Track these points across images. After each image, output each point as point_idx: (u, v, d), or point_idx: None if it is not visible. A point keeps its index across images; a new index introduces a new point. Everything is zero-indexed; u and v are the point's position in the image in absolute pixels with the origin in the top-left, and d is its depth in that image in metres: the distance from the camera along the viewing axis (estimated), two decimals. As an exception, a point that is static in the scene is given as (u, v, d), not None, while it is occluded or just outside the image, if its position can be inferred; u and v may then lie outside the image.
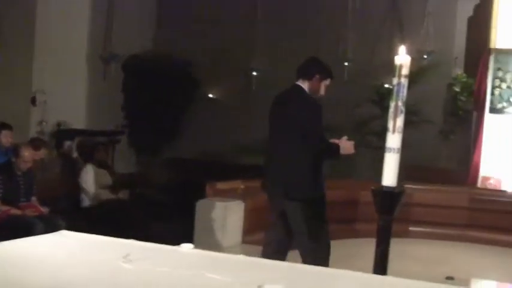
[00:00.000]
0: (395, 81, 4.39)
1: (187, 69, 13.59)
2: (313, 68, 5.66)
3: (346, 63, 12.82)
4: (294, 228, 5.42)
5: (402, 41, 13.20)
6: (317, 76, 5.61)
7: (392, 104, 4.42)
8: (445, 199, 8.80)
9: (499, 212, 8.67)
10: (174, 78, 13.22)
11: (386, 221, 4.40)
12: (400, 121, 4.32)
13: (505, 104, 10.03)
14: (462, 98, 11.79)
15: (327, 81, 5.73)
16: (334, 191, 8.09)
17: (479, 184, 9.86)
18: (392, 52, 12.56)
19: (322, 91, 5.69)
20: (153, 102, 13.04)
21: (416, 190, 9.07)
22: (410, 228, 8.83)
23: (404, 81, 4.38)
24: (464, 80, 11.66)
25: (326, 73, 5.72)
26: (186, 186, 9.20)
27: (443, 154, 11.71)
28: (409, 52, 11.57)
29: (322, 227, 5.40)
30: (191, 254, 3.14)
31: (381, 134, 11.41)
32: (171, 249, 3.17)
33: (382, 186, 4.39)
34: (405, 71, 4.40)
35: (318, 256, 5.25)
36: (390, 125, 4.41)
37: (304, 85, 5.60)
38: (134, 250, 2.95)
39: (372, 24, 12.75)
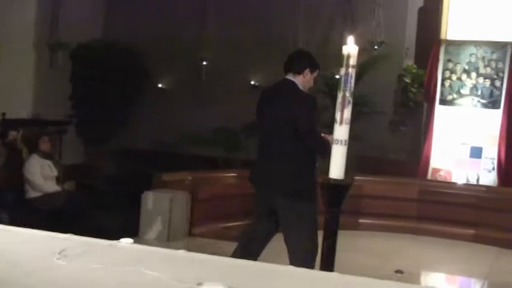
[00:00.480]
0: (342, 71, 4.30)
1: (137, 59, 13.39)
2: (304, 62, 5.58)
3: (296, 54, 12.73)
4: (284, 222, 5.39)
5: (353, 32, 13.20)
6: (307, 70, 5.54)
7: (339, 95, 4.33)
8: (395, 191, 8.79)
9: (449, 204, 8.69)
10: (124, 67, 13.01)
11: (334, 214, 4.32)
12: (347, 112, 4.23)
13: (455, 95, 10.06)
14: (413, 89, 11.78)
15: (316, 73, 5.62)
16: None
17: (429, 176, 9.88)
18: (343, 43, 12.57)
19: (311, 84, 5.67)
20: (102, 92, 12.83)
21: (366, 182, 9.06)
22: (360, 221, 8.81)
23: (352, 71, 4.29)
24: (415, 71, 11.66)
25: (315, 66, 5.64)
26: (135, 177, 9.04)
27: (394, 145, 11.71)
28: (360, 43, 11.53)
29: (312, 223, 5.30)
30: (130, 249, 3.02)
31: (331, 125, 11.42)
32: (109, 244, 3.04)
33: (330, 179, 4.30)
34: (353, 61, 4.31)
35: (306, 250, 5.23)
36: (338, 116, 4.32)
37: (296, 79, 5.52)
38: (71, 245, 2.83)
39: (323, 14, 12.70)
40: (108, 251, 2.92)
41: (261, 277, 2.79)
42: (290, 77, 5.52)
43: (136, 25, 13.64)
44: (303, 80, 5.53)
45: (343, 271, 5.72)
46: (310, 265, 5.11)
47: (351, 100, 4.37)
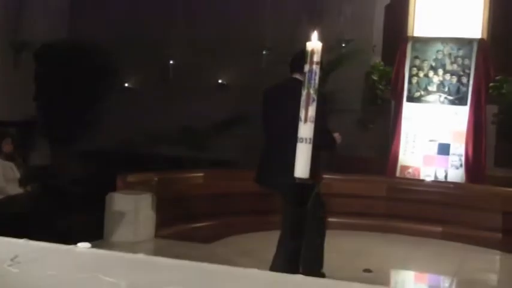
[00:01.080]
0: (306, 68, 4.22)
1: (103, 58, 13.23)
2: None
3: (264, 52, 12.71)
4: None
5: (321, 29, 13.17)
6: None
7: (304, 92, 4.25)
8: (363, 189, 8.74)
9: (417, 202, 8.66)
10: (90, 67, 12.85)
11: (300, 214, 4.24)
12: (312, 110, 4.14)
13: (422, 92, 10.04)
14: (380, 86, 11.78)
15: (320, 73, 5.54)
16: (248, 181, 7.96)
17: (398, 173, 9.85)
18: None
19: None
20: (68, 92, 12.66)
21: (334, 180, 8.98)
22: (329, 219, 8.71)
23: (316, 68, 4.20)
24: (382, 68, 11.65)
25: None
26: (102, 178, 8.90)
27: (362, 143, 11.68)
28: (328, 40, 11.53)
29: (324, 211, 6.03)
30: (87, 254, 2.91)
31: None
32: (66, 249, 2.93)
33: (294, 178, 4.22)
34: (317, 57, 4.22)
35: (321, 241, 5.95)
36: (302, 114, 4.23)
37: (302, 78, 5.34)
38: (25, 251, 2.71)
39: (289, 11, 12.65)
40: (65, 256, 2.81)
41: (222, 280, 2.70)
42: (297, 76, 5.57)
43: (102, 24, 13.50)
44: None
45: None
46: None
47: (315, 98, 4.27)
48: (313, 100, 4.26)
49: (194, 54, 13.26)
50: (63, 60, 12.57)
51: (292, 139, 5.17)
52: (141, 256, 3.00)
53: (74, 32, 13.63)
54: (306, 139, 4.27)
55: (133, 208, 6.59)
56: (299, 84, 5.23)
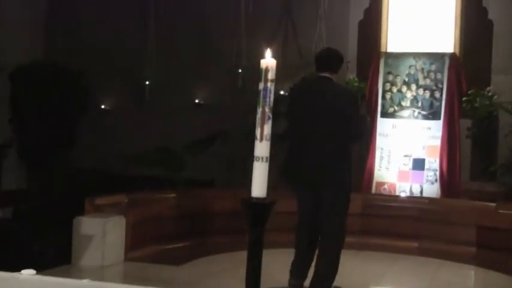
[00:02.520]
0: (261, 85, 4.17)
1: (79, 80, 13.19)
2: (338, 61, 6.11)
3: (240, 70, 12.69)
4: (330, 212, 5.85)
5: (296, 46, 13.18)
6: (339, 68, 6.12)
7: (259, 110, 4.19)
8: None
9: (393, 217, 8.62)
10: (65, 89, 12.81)
11: (258, 234, 4.17)
12: (267, 128, 4.09)
13: (396, 107, 10.02)
14: (355, 102, 11.74)
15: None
16: (222, 200, 7.91)
17: (373, 190, 9.80)
18: (287, 57, 12.50)
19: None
20: (44, 114, 12.59)
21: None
22: (304, 237, 8.67)
23: (270, 85, 4.15)
24: (357, 84, 11.63)
25: (342, 63, 6.29)
26: (76, 200, 8.81)
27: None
28: (304, 56, 11.32)
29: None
30: (32, 281, 2.84)
31: (273, 141, 11.25)
32: (9, 277, 2.86)
33: (252, 198, 4.17)
34: (271, 74, 4.17)
35: (343, 233, 5.99)
36: (257, 132, 4.17)
37: (332, 76, 5.99)
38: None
39: (265, 29, 12.65)
40: (7, 284, 2.75)
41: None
42: (326, 74, 5.92)
43: (78, 45, 13.46)
44: (335, 77, 6.03)
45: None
46: (342, 246, 5.96)
47: (270, 116, 4.22)
48: (269, 118, 4.20)
49: (170, 74, 13.23)
50: (38, 81, 12.53)
51: (323, 137, 5.73)
52: (85, 282, 2.93)
53: (50, 54, 13.57)
54: (262, 158, 4.20)
55: (100, 231, 6.50)
56: (333, 83, 5.87)
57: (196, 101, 13.63)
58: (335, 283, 6.08)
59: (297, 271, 6.05)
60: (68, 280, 2.99)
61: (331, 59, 6.06)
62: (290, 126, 6.14)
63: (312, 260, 6.03)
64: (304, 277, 6.05)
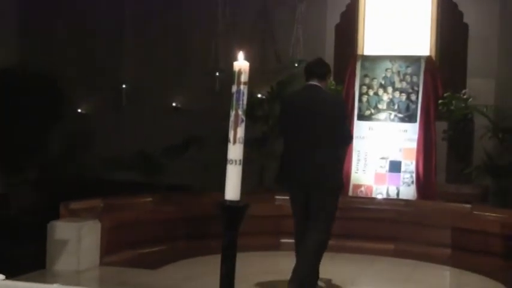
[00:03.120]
0: (234, 88, 4.17)
1: (54, 84, 13.11)
2: (326, 69, 6.50)
3: (217, 73, 12.69)
4: (320, 214, 6.09)
5: (274, 50, 13.19)
6: (327, 76, 6.53)
7: (232, 113, 4.19)
8: (315, 209, 8.68)
9: (370, 220, 8.65)
10: (40, 93, 12.71)
11: (231, 237, 4.17)
12: (241, 131, 4.08)
13: (372, 110, 10.05)
14: (332, 105, 11.77)
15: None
16: (199, 204, 7.90)
17: (350, 192, 9.81)
18: (264, 61, 12.46)
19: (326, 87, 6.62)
20: (18, 120, 12.49)
21: (286, 201, 8.91)
22: (282, 241, 8.67)
23: (243, 88, 4.15)
24: (334, 87, 11.66)
25: (330, 72, 6.76)
26: (52, 205, 8.76)
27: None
28: (282, 61, 11.40)
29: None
30: (1, 287, 2.82)
31: (251, 145, 11.27)
32: (-21, 282, 2.84)
33: (225, 201, 4.16)
34: (244, 77, 4.17)
35: (329, 233, 6.21)
36: (231, 135, 4.17)
37: (320, 84, 6.32)
38: None
39: (242, 33, 12.65)
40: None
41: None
42: (315, 82, 6.28)
43: (52, 49, 13.39)
44: (324, 85, 6.38)
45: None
46: (325, 249, 6.20)
47: (243, 118, 4.21)
48: (242, 121, 4.20)
49: (147, 78, 13.21)
50: (12, 86, 12.42)
51: (314, 140, 6.03)
52: (56, 287, 2.92)
53: (23, 57, 13.49)
54: (235, 161, 4.20)
55: (75, 236, 6.46)
56: (323, 91, 6.27)
57: (174, 104, 13.61)
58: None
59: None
60: (39, 285, 2.98)
61: (320, 68, 6.42)
62: (283, 133, 6.45)
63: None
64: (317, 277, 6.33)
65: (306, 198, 6.16)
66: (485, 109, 10.96)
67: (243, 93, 4.19)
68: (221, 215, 4.22)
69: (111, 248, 6.98)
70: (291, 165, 6.26)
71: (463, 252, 8.06)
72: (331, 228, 6.21)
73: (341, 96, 7.22)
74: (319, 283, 6.42)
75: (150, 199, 8.39)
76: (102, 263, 6.80)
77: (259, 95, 12.05)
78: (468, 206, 8.72)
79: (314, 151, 6.08)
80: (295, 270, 6.11)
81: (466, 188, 10.83)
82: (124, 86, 13.35)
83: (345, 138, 6.54)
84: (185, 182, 11.73)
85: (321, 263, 6.86)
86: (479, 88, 11.35)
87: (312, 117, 6.13)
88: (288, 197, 8.80)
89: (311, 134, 6.12)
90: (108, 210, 7.42)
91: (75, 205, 7.20)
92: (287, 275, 6.92)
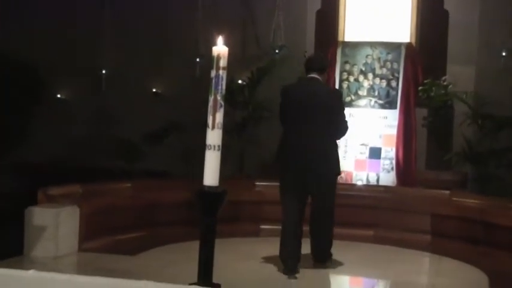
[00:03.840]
0: (213, 73, 4.13)
1: (33, 69, 12.98)
2: (325, 63, 7.08)
3: (198, 59, 12.63)
4: (321, 194, 6.68)
5: (254, 36, 13.12)
6: (326, 69, 7.11)
7: (210, 98, 4.15)
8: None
9: (349, 206, 8.61)
10: (18, 78, 12.59)
11: (210, 223, 4.14)
12: (219, 116, 4.06)
13: (353, 96, 10.04)
14: (312, 92, 11.77)
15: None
16: (178, 190, 7.86)
17: (331, 178, 9.80)
18: (245, 47, 12.41)
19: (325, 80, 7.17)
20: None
21: (266, 187, 8.94)
22: (262, 227, 8.69)
23: (222, 73, 4.12)
24: (314, 73, 11.62)
25: (328, 67, 7.38)
26: (30, 191, 8.69)
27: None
28: (262, 47, 11.40)
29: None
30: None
31: (232, 131, 11.23)
32: None
33: (204, 186, 4.13)
34: (223, 62, 4.14)
35: (333, 213, 6.79)
36: (209, 120, 4.14)
37: (319, 77, 6.80)
38: None
39: (222, 19, 12.57)
40: None
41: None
42: (315, 75, 6.74)
43: (30, 34, 13.27)
44: (323, 78, 6.89)
45: (236, 280, 5.60)
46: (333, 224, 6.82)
47: (222, 103, 4.18)
48: (221, 106, 4.17)
49: (127, 64, 13.12)
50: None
51: (316, 130, 6.52)
52: (31, 273, 2.88)
53: (2, 45, 13.34)
54: (214, 146, 4.17)
55: (53, 222, 6.40)
56: (318, 81, 6.73)
57: (154, 90, 13.55)
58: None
59: (290, 256, 6.54)
60: (14, 271, 2.94)
61: (319, 63, 6.91)
62: (284, 120, 6.83)
63: (301, 244, 6.62)
64: (298, 260, 6.59)
65: (304, 186, 6.60)
66: (465, 96, 10.99)
67: (222, 78, 4.16)
68: (200, 201, 4.21)
69: (90, 234, 6.93)
70: (290, 152, 6.66)
71: (443, 238, 8.09)
72: (334, 204, 6.82)
73: (339, 90, 7.89)
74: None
75: (129, 185, 8.35)
76: (80, 249, 6.76)
77: (239, 81, 12.01)
78: (447, 192, 8.75)
79: (314, 139, 6.55)
80: (313, 247, 6.83)
81: (446, 175, 10.87)
82: (104, 71, 13.24)
83: (342, 128, 6.88)
84: (165, 168, 11.69)
85: (302, 249, 6.96)
86: (459, 75, 11.38)
87: (311, 107, 6.60)
88: (270, 183, 9.00)
89: (310, 123, 6.57)
90: (86, 196, 7.36)
91: (53, 191, 7.15)
92: (267, 261, 6.95)
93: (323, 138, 6.60)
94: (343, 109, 7.01)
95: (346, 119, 6.97)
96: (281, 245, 6.65)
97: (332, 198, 6.79)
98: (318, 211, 6.79)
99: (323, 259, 6.89)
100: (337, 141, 7.08)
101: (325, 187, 6.70)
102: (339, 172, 6.86)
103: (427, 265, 7.52)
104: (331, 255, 6.99)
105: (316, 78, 6.78)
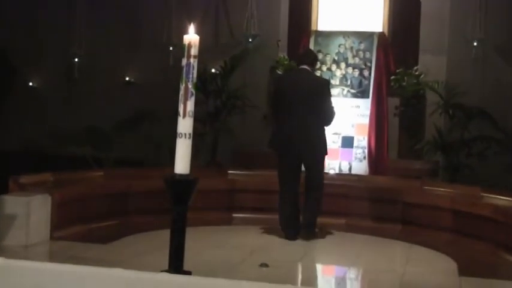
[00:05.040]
0: (184, 62, 4.14)
1: (3, 59, 12.88)
2: (313, 57, 8.09)
3: (171, 48, 12.60)
4: (312, 168, 7.63)
5: (228, 25, 13.08)
6: (315, 62, 8.13)
7: (182, 87, 4.16)
8: (268, 184, 8.69)
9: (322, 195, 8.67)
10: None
11: (181, 211, 4.16)
12: (190, 105, 4.07)
13: (326, 86, 10.06)
14: (285, 81, 11.79)
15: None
16: (150, 179, 7.85)
17: (303, 167, 9.82)
18: (218, 35, 12.37)
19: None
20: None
21: (239, 176, 8.97)
22: (234, 215, 8.70)
23: (193, 61, 4.13)
24: (287, 63, 11.66)
25: (317, 59, 8.53)
26: (0, 181, 8.62)
27: (268, 138, 11.65)
28: (235, 35, 11.36)
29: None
30: None
31: (205, 120, 11.23)
32: None
33: (175, 174, 4.14)
34: (194, 51, 4.15)
35: (320, 187, 7.67)
36: (180, 109, 4.15)
37: (309, 68, 7.79)
38: None
39: (196, 7, 12.56)
40: None
41: (86, 281, 2.61)
42: (305, 66, 7.72)
43: (3, 22, 13.15)
44: (312, 69, 7.95)
45: (207, 268, 5.61)
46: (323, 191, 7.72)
47: (193, 92, 4.20)
48: (192, 94, 4.18)
49: (100, 52, 13.05)
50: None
51: (304, 111, 7.39)
52: (0, 261, 2.88)
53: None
54: (185, 134, 4.18)
55: (25, 210, 6.35)
56: (309, 72, 7.76)
57: (127, 79, 13.49)
58: (264, 261, 6.19)
59: (290, 223, 7.50)
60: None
61: (308, 57, 7.95)
62: (278, 105, 7.67)
63: (299, 212, 7.55)
64: (297, 227, 7.51)
65: (298, 161, 7.57)
66: (436, 85, 11.08)
67: (193, 66, 4.17)
68: (171, 189, 4.21)
69: (62, 222, 6.89)
70: (285, 133, 7.58)
71: (414, 226, 8.16)
72: (323, 180, 7.74)
73: (327, 79, 8.59)
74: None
75: (101, 173, 8.31)
76: (52, 238, 6.71)
77: (212, 70, 12.00)
78: (418, 181, 8.82)
79: (305, 118, 7.46)
80: (304, 218, 7.57)
81: (417, 164, 10.98)
82: (76, 59, 13.16)
83: (330, 113, 7.66)
84: (137, 157, 11.66)
85: (270, 237, 7.00)
86: (430, 65, 11.47)
87: (302, 92, 7.51)
88: (242, 172, 9.06)
89: (302, 105, 7.46)
90: (58, 185, 7.32)
91: (24, 179, 7.09)
92: (239, 249, 6.97)
93: (313, 118, 7.48)
94: (330, 95, 7.78)
95: (333, 105, 7.73)
96: (280, 213, 7.57)
97: (320, 174, 7.72)
98: (307, 186, 7.62)
99: (307, 234, 7.53)
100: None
101: (314, 159, 7.62)
102: (326, 152, 7.69)
103: (398, 253, 7.55)
104: (315, 232, 7.66)
105: (307, 68, 7.74)
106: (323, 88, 7.69)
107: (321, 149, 7.66)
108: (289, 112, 7.54)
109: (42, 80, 13.75)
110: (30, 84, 13.77)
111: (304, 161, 7.62)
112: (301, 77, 7.75)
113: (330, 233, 8.02)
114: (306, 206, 7.61)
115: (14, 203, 6.41)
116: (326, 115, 7.64)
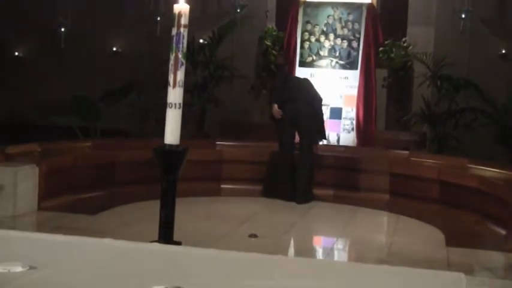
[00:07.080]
0: (174, 31, 4.11)
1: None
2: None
3: (158, 18, 12.50)
4: (305, 132, 8.38)
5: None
6: None
7: (171, 56, 4.13)
8: (255, 155, 8.73)
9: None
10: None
11: (170, 181, 4.15)
12: (180, 74, 4.05)
13: (314, 57, 10.06)
14: (274, 52, 11.78)
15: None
16: (137, 150, 7.84)
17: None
18: (205, 5, 12.28)
19: None
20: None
21: (227, 147, 8.97)
22: (222, 186, 8.70)
23: (184, 31, 4.11)
24: (275, 33, 11.62)
25: None
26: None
27: (256, 109, 11.68)
28: (223, 5, 11.26)
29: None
30: None
31: (192, 90, 11.18)
32: None
33: (165, 145, 4.13)
34: (184, 20, 4.12)
35: (309, 155, 8.38)
36: (170, 78, 4.13)
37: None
38: None
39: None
40: None
41: (75, 251, 2.59)
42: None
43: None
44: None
45: (197, 239, 5.62)
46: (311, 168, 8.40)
47: (183, 62, 4.17)
48: (182, 64, 4.15)
49: (86, 22, 12.94)
50: None
51: (304, 102, 8.34)
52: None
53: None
54: (175, 104, 4.16)
55: (12, 181, 6.32)
56: (301, 78, 8.93)
57: (114, 49, 13.40)
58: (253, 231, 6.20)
59: (287, 194, 8.02)
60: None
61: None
62: (284, 95, 8.44)
63: (294, 173, 8.17)
64: (295, 196, 8.03)
65: (293, 133, 8.39)
66: (424, 57, 11.08)
67: (183, 36, 4.14)
68: (160, 159, 4.20)
69: (49, 193, 6.87)
70: (288, 111, 8.29)
71: (401, 197, 8.19)
72: (313, 149, 8.42)
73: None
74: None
75: (88, 144, 8.29)
76: (39, 208, 6.70)
77: (200, 40, 11.93)
78: (406, 152, 8.86)
79: (302, 106, 8.29)
80: (298, 180, 8.19)
81: (404, 135, 11.01)
82: (63, 29, 13.04)
83: (317, 100, 8.54)
84: (124, 127, 11.63)
85: (259, 208, 6.99)
86: (419, 36, 11.46)
87: (301, 89, 8.48)
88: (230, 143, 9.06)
89: (301, 97, 8.35)
90: (45, 155, 7.28)
91: (11, 149, 7.05)
92: (228, 219, 6.99)
93: (307, 107, 8.36)
94: (314, 88, 8.66)
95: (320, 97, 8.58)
96: (277, 175, 8.24)
97: (311, 141, 8.41)
98: (300, 152, 8.31)
99: (302, 199, 8.00)
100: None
101: (307, 140, 8.32)
102: (314, 129, 8.44)
103: (385, 224, 7.61)
104: (311, 197, 8.12)
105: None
106: (313, 87, 8.72)
107: (312, 129, 8.49)
108: (291, 101, 8.44)
109: (28, 50, 13.64)
110: (16, 54, 13.65)
111: (299, 123, 8.44)
112: (297, 79, 9.08)
113: (318, 204, 8.05)
114: (298, 174, 8.21)
115: (1, 173, 6.38)
116: (318, 101, 8.56)
